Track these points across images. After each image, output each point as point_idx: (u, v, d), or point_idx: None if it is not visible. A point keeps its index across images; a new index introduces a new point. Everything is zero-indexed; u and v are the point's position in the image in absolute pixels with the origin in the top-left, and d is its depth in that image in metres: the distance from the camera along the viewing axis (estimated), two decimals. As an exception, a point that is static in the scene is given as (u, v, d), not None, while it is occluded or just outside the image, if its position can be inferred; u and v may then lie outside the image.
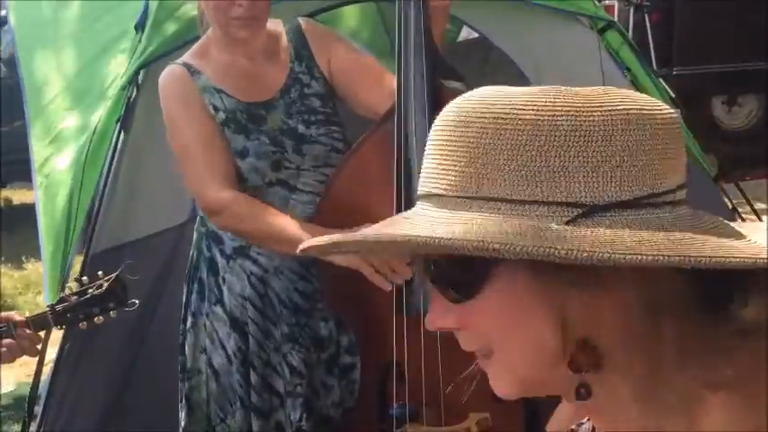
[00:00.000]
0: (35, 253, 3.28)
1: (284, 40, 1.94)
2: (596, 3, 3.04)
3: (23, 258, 5.27)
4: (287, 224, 1.77)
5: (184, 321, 2.04)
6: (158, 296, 2.43)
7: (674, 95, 3.13)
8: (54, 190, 2.56)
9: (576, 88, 0.68)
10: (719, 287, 0.67)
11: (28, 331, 1.75)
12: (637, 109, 0.67)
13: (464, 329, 0.71)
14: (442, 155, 0.68)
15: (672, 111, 0.70)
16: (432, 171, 0.69)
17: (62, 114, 2.69)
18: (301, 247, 0.72)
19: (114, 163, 2.47)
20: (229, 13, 1.79)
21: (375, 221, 0.71)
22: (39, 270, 4.85)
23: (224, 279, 1.96)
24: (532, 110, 0.66)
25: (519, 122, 0.66)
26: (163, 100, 1.87)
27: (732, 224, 0.73)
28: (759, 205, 4.35)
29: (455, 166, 0.67)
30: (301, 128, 1.89)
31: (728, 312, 0.68)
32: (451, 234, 0.63)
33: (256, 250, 1.93)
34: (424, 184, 0.70)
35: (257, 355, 1.95)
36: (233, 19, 1.80)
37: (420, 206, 0.70)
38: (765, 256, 0.63)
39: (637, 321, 0.67)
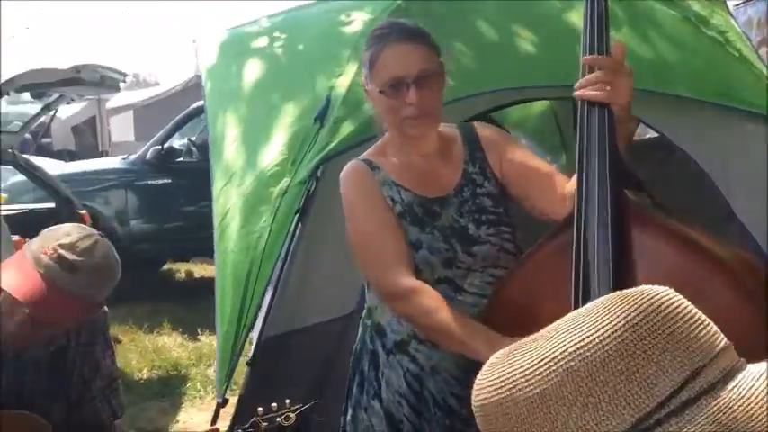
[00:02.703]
0: (210, 326, 3.40)
1: (459, 142, 1.99)
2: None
3: (199, 330, 5.47)
4: (466, 327, 1.71)
5: (345, 413, 2.05)
6: (320, 386, 2.46)
7: None
8: (228, 269, 2.65)
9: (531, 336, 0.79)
10: None
11: None
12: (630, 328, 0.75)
13: None
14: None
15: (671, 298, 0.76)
16: None
17: (235, 158, 2.84)
18: None
19: (290, 253, 2.57)
20: (401, 113, 1.86)
21: None
22: (212, 343, 4.99)
23: (383, 373, 1.96)
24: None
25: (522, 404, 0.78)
26: (344, 190, 1.93)
27: None
28: None
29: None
30: (471, 227, 1.89)
31: None
32: None
33: (415, 347, 1.92)
34: None
35: (409, 454, 1.92)
36: (405, 119, 1.87)
37: None
38: None
39: None
